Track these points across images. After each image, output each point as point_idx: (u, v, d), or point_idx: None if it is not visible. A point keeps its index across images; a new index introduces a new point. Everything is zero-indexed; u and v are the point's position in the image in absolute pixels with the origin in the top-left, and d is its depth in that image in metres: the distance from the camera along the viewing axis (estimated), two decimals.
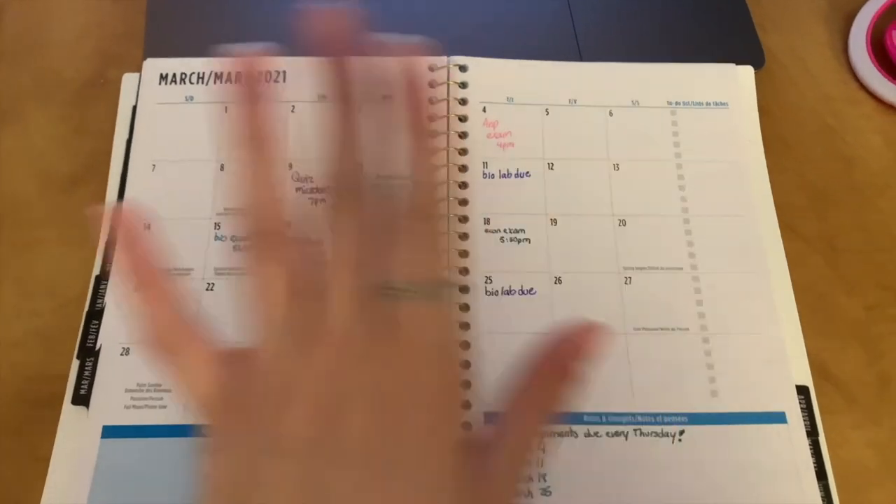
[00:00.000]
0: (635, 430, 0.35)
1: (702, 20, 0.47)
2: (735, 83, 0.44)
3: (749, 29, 0.47)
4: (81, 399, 0.35)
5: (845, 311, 0.40)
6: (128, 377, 0.36)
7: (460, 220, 0.39)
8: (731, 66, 0.44)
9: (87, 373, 0.36)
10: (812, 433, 0.36)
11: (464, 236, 0.39)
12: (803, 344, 0.38)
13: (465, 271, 0.38)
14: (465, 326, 0.37)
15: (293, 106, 0.41)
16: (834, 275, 0.41)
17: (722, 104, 0.44)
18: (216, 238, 0.39)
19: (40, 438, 0.35)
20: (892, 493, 0.36)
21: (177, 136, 0.41)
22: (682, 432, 0.36)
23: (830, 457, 0.36)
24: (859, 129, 0.45)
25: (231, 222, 0.39)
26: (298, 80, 0.42)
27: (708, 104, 0.43)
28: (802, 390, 0.37)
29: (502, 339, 0.37)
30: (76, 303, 0.37)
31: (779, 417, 0.36)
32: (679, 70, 0.44)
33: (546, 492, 0.34)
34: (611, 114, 0.43)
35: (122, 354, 0.36)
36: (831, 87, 0.46)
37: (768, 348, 0.38)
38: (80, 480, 0.33)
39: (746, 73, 0.44)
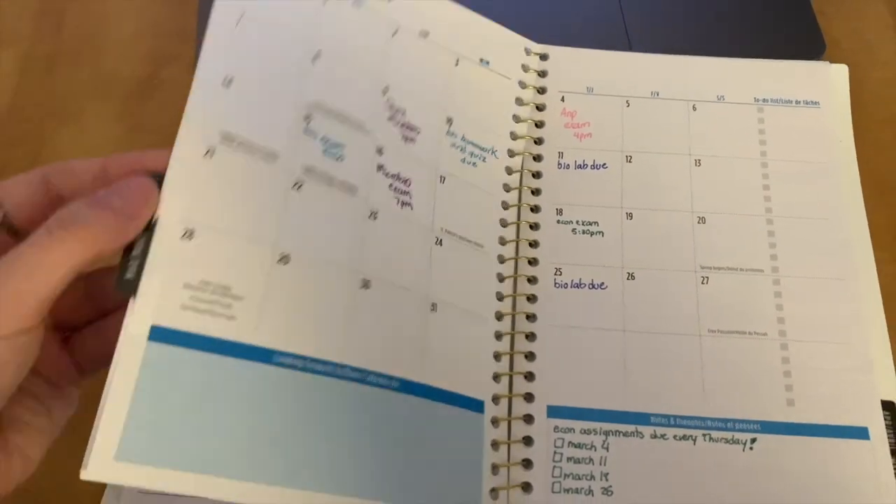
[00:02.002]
0: (704, 434, 0.34)
1: (757, 7, 0.45)
2: (827, 82, 0.42)
3: (808, 15, 0.44)
4: (127, 284, 0.26)
5: None
6: (189, 269, 0.27)
7: (532, 210, 0.39)
8: (825, 63, 0.42)
9: (136, 252, 0.26)
10: None
11: (534, 226, 0.38)
12: (891, 356, 0.36)
13: (534, 262, 0.38)
14: (532, 317, 0.36)
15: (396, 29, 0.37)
16: None
17: (813, 103, 0.42)
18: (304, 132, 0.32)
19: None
20: None
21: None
22: (753, 440, 0.34)
23: None
24: None
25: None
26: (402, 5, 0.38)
27: (798, 103, 0.42)
28: (888, 405, 0.35)
29: (569, 333, 0.36)
30: None
31: (861, 433, 0.34)
32: (768, 66, 0.42)
33: (607, 491, 0.33)
34: (694, 108, 0.41)
35: (184, 237, 0.27)
36: None
37: (852, 359, 0.36)
38: (121, 389, 0.24)
39: (840, 71, 0.42)
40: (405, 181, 0.35)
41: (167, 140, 0.41)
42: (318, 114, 0.33)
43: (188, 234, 0.27)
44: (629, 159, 0.40)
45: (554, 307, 0.37)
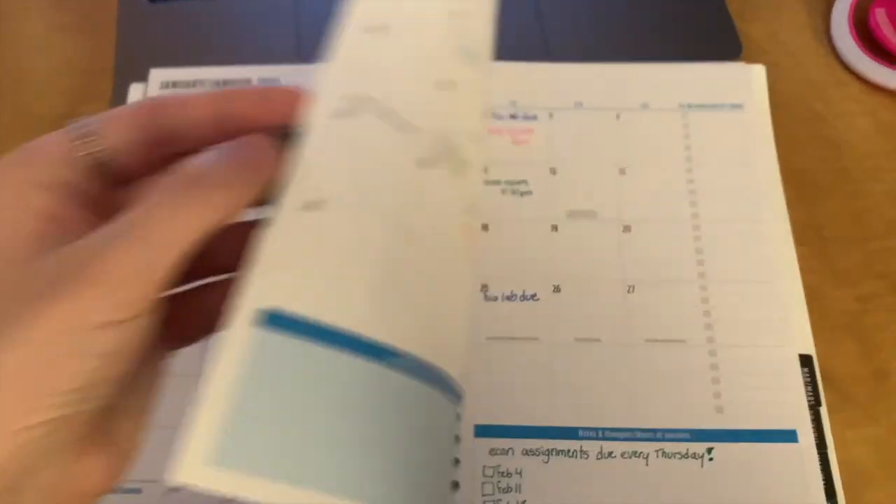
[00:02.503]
0: (625, 448, 0.34)
1: (674, 12, 0.45)
2: (749, 83, 0.42)
3: (724, 17, 0.45)
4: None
5: (837, 303, 0.38)
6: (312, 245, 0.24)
7: None
8: (743, 64, 0.43)
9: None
10: (820, 447, 0.34)
11: None
12: (815, 356, 0.36)
13: None
14: None
15: None
16: (824, 266, 0.39)
17: (737, 106, 0.42)
18: None
19: None
20: (891, 496, 0.34)
21: None
22: (710, 450, 0.34)
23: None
24: (846, 113, 0.43)
25: None
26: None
27: (722, 106, 0.42)
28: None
29: (495, 348, 0.36)
30: None
31: (789, 436, 0.34)
32: (691, 70, 0.43)
33: None
34: (618, 117, 0.41)
35: (307, 208, 0.24)
36: (815, 71, 0.44)
37: (778, 361, 0.36)
38: (220, 380, 0.20)
39: (759, 72, 0.42)
40: None
41: None
42: None
43: (313, 206, 0.23)
44: (553, 172, 0.40)
45: (482, 323, 0.37)
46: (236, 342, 0.20)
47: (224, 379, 0.20)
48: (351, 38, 0.26)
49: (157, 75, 0.42)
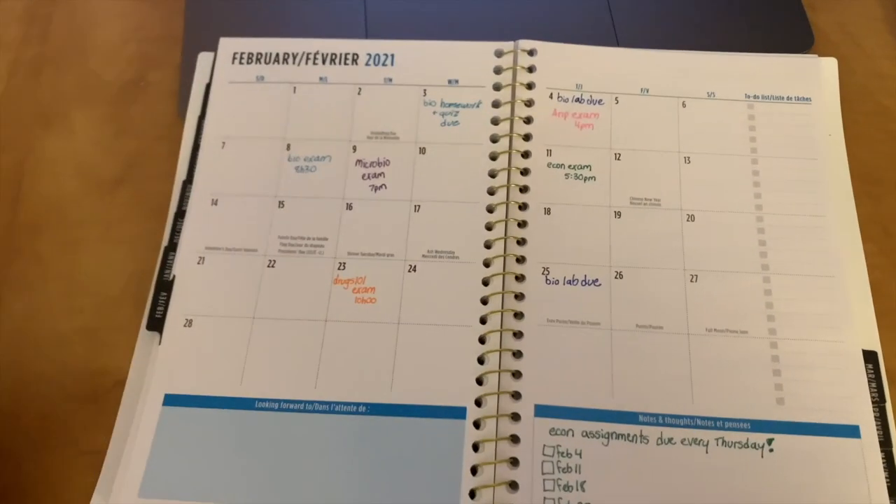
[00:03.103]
0: (686, 436, 0.34)
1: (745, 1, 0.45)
2: (818, 77, 0.42)
3: (796, 7, 0.44)
4: (155, 324, 0.37)
5: None
6: (192, 347, 0.36)
7: (520, 208, 0.39)
8: (814, 57, 0.42)
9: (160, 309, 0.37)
10: (885, 444, 0.33)
11: (522, 224, 0.38)
12: (880, 353, 0.35)
13: (521, 259, 0.37)
14: (520, 316, 0.36)
15: (360, 88, 0.42)
16: (888, 262, 0.38)
17: (805, 99, 0.41)
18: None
19: (86, 432, 0.35)
20: None
21: (247, 114, 0.41)
22: (771, 441, 0.34)
23: None
24: None
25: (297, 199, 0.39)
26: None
27: (789, 99, 0.41)
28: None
29: (556, 331, 0.36)
30: (117, 300, 0.38)
31: (852, 431, 0.34)
32: (759, 61, 0.42)
33: (595, 489, 0.33)
34: (684, 105, 0.41)
35: (185, 325, 0.37)
36: (886, 64, 0.43)
37: (842, 356, 0.35)
38: (143, 441, 0.34)
39: (830, 65, 0.42)
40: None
41: (153, 143, 0.42)
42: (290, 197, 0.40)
43: (188, 323, 0.37)
44: (618, 157, 0.40)
45: (542, 305, 0.37)
46: (150, 413, 0.35)
47: (145, 437, 0.34)
48: None
49: (227, 45, 0.43)
